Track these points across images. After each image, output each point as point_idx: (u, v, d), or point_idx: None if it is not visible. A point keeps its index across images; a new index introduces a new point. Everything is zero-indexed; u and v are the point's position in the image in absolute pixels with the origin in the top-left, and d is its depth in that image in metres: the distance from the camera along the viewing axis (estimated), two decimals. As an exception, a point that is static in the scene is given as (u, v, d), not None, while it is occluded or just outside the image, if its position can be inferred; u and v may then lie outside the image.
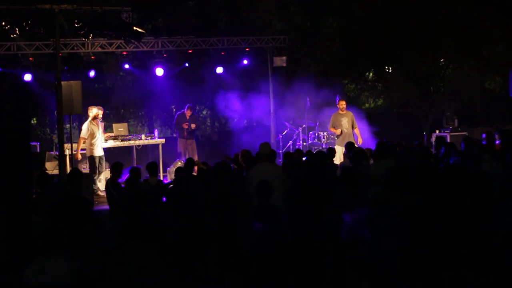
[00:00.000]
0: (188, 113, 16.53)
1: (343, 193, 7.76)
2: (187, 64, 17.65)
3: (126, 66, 17.12)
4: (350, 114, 15.28)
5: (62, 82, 13.56)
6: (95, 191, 13.91)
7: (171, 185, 10.00)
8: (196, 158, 15.40)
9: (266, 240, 6.64)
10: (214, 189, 8.79)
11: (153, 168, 10.05)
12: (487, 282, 6.19)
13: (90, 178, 13.84)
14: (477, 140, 12.27)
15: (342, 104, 15.22)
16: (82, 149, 14.72)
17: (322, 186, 8.04)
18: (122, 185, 9.95)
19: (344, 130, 14.99)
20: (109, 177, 10.95)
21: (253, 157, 10.03)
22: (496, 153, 9.98)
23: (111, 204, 9.84)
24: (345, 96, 18.80)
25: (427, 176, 7.79)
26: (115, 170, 10.17)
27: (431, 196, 7.04)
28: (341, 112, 15.17)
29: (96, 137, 14.48)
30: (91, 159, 14.46)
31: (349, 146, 11.41)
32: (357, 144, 14.11)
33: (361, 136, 15.40)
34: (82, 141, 14.45)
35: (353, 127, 15.14)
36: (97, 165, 14.44)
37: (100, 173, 14.51)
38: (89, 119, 14.60)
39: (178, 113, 16.90)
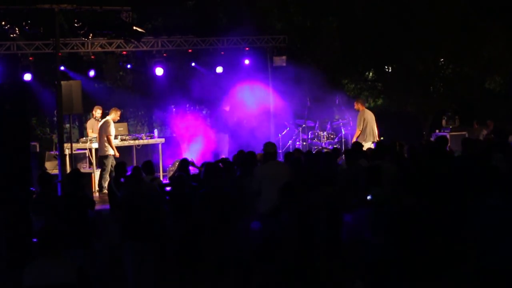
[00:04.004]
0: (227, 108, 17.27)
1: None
2: (193, 64, 17.67)
3: (128, 66, 17.11)
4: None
5: (62, 82, 13.55)
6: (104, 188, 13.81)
7: (168, 186, 10.00)
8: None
9: (268, 241, 6.65)
10: (212, 188, 8.77)
11: (148, 167, 9.98)
12: (483, 282, 6.16)
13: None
14: (478, 140, 12.16)
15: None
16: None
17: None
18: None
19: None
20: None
21: (247, 158, 9.81)
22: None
23: (113, 203, 9.83)
24: (344, 96, 18.83)
25: (428, 176, 7.77)
26: (119, 170, 10.15)
27: (431, 196, 7.04)
28: None
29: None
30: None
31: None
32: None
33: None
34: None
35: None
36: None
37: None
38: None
39: (219, 110, 17.50)
